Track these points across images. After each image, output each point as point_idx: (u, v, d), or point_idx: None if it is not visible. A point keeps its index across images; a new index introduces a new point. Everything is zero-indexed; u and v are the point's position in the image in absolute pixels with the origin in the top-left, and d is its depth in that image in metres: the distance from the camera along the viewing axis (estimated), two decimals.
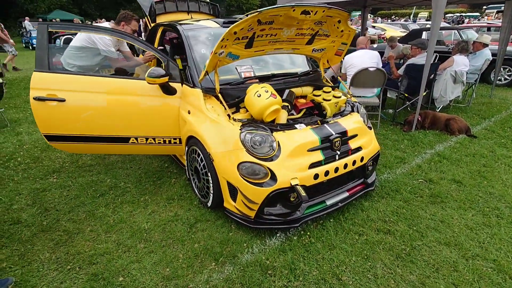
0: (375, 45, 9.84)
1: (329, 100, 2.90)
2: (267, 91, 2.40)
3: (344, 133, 2.56)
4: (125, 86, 2.85)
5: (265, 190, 2.22)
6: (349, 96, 3.14)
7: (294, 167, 2.29)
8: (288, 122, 2.60)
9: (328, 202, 2.57)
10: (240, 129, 2.31)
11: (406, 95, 4.92)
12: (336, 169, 2.47)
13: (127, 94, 2.87)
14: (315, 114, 2.91)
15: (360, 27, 9.49)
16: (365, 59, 4.54)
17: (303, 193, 2.20)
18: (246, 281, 1.99)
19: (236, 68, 2.94)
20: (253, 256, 2.20)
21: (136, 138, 3.01)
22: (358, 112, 2.87)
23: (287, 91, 2.83)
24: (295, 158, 2.31)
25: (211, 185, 2.53)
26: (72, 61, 3.36)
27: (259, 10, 2.18)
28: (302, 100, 2.92)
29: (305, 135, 2.40)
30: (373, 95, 4.69)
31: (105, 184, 3.16)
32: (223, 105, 2.53)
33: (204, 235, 2.41)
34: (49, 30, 2.77)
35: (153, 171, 3.43)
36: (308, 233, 2.42)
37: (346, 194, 2.69)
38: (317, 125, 2.52)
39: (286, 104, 2.69)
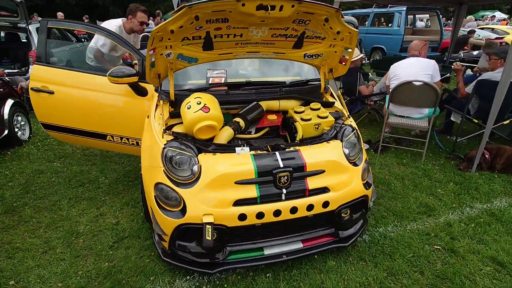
0: (475, 52, 7.86)
1: (308, 120, 2.28)
2: (199, 103, 1.99)
3: (300, 168, 1.94)
4: (101, 83, 2.84)
5: (173, 221, 1.85)
6: (345, 117, 2.41)
7: (212, 200, 1.83)
8: (230, 143, 2.13)
9: (267, 251, 2.00)
10: (164, 144, 1.98)
11: (476, 121, 3.62)
12: (277, 213, 1.89)
13: (103, 91, 2.86)
14: (283, 135, 2.33)
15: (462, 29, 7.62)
16: (414, 69, 3.52)
17: (207, 236, 1.74)
18: None
19: (207, 72, 2.58)
20: None
21: (112, 136, 3.00)
22: (341, 140, 2.16)
23: (253, 103, 2.34)
24: (217, 189, 1.85)
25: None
26: (91, 55, 3.60)
27: (189, 4, 1.79)
28: (273, 117, 2.37)
29: (240, 162, 1.90)
30: (422, 116, 3.61)
31: (88, 176, 3.27)
32: (166, 113, 2.23)
33: (122, 254, 2.19)
34: (48, 26, 2.96)
35: (137, 170, 3.39)
36: (226, 286, 1.92)
37: (300, 245, 2.06)
38: (264, 152, 1.98)
39: (238, 120, 2.21)
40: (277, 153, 1.97)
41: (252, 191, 1.86)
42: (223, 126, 2.16)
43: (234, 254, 1.97)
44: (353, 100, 4.69)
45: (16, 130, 4.04)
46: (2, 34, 6.90)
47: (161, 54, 2.14)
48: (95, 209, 2.71)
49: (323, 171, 1.99)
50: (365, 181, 2.19)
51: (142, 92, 2.75)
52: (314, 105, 2.42)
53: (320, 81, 2.68)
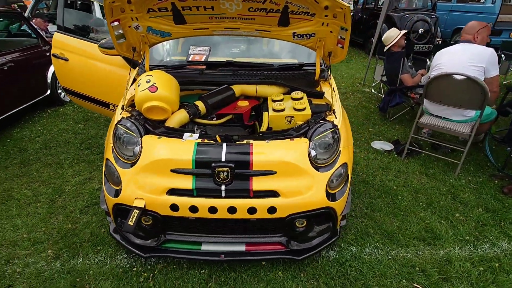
0: None
1: (280, 110, 1.99)
2: (148, 81, 1.86)
3: (244, 164, 1.71)
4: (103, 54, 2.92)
5: (111, 199, 1.84)
6: (329, 112, 2.02)
7: (147, 185, 1.74)
8: (181, 128, 1.98)
9: (205, 247, 1.87)
10: (118, 121, 1.93)
11: None
12: (213, 209, 1.71)
13: (105, 62, 2.95)
14: (249, 125, 2.08)
15: None
16: (462, 58, 2.78)
17: (130, 221, 1.67)
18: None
19: (189, 48, 2.42)
20: (86, 265, 1.93)
21: (114, 106, 3.12)
22: (310, 138, 1.82)
23: (222, 86, 2.12)
24: (153, 175, 1.75)
25: None
26: None
27: None
28: (244, 104, 2.12)
29: (181, 149, 1.75)
30: (464, 119, 2.89)
31: (99, 141, 3.51)
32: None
33: (87, 219, 2.30)
34: None
35: None
36: (156, 272, 1.87)
37: (243, 248, 1.87)
38: (211, 141, 1.79)
39: (198, 103, 2.03)
40: (224, 144, 1.76)
41: (187, 182, 1.72)
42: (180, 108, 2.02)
43: (169, 243, 1.89)
44: (392, 90, 4.02)
45: (59, 91, 4.54)
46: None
47: (129, 27, 2.06)
48: (88, 172, 2.90)
49: (274, 173, 1.72)
50: (336, 191, 1.84)
51: (136, 64, 2.75)
52: (296, 94, 2.09)
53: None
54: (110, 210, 1.88)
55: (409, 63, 4.29)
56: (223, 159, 1.70)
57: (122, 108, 2.02)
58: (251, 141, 1.79)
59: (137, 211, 1.71)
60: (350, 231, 2.23)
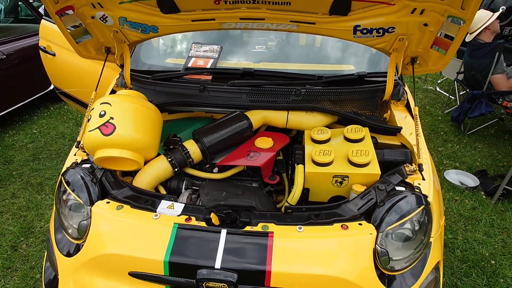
0: None
1: (325, 164, 1.16)
2: (102, 115, 1.11)
3: (256, 276, 0.94)
4: None
5: None
6: (412, 167, 1.15)
7: None
8: (157, 191, 1.23)
9: None
10: (66, 170, 1.23)
11: None
12: None
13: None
14: (271, 184, 1.26)
15: None
16: None
17: None
18: None
19: (191, 47, 1.62)
20: None
21: None
22: (379, 224, 0.99)
23: (231, 114, 1.33)
24: (102, 278, 1.04)
25: None
26: None
27: None
28: (265, 143, 1.30)
29: (149, 237, 1.01)
30: None
31: None
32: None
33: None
34: None
35: None
36: None
37: None
38: (203, 224, 1.02)
39: (189, 146, 1.24)
40: (223, 232, 0.99)
41: None
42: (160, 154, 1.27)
43: None
44: (476, 96, 2.95)
45: None
46: None
47: (92, 18, 1.31)
48: None
49: None
50: None
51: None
52: (354, 131, 1.25)
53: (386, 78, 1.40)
54: None
55: None
56: (217, 264, 0.94)
57: (77, 146, 1.31)
58: (269, 226, 1.01)
59: None
60: None
